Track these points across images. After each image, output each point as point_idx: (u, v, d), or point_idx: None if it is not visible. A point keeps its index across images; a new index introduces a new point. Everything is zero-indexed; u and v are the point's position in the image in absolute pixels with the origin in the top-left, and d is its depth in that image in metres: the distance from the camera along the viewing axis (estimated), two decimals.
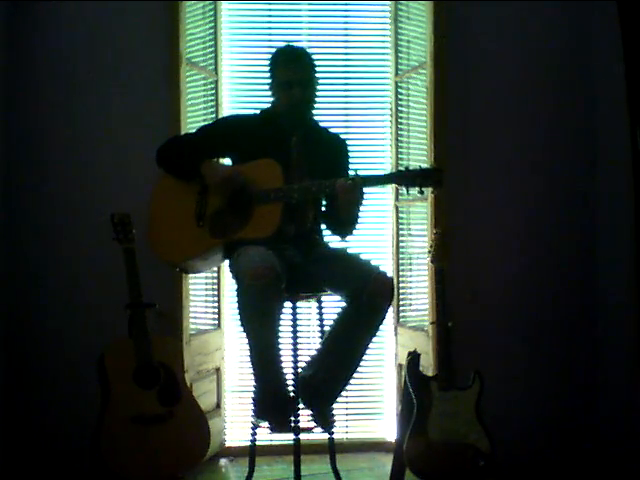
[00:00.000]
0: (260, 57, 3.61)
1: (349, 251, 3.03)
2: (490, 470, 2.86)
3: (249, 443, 2.89)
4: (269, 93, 2.89)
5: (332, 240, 3.00)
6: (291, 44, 2.99)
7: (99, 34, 3.43)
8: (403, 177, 2.63)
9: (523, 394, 3.49)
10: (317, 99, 2.87)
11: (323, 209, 2.92)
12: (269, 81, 2.86)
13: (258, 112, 2.95)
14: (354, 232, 2.93)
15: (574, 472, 3.32)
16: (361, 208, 2.82)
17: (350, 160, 2.99)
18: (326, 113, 3.57)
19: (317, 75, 2.85)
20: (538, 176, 3.55)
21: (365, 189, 2.63)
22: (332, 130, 3.06)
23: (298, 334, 2.75)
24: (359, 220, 2.88)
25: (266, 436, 3.10)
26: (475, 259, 3.50)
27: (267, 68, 2.85)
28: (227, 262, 2.82)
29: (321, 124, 3.02)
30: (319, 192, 2.70)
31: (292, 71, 2.77)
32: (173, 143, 2.90)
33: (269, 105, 2.92)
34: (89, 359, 2.90)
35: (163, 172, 2.86)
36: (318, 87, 2.86)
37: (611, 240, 3.41)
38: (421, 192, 2.66)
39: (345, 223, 2.84)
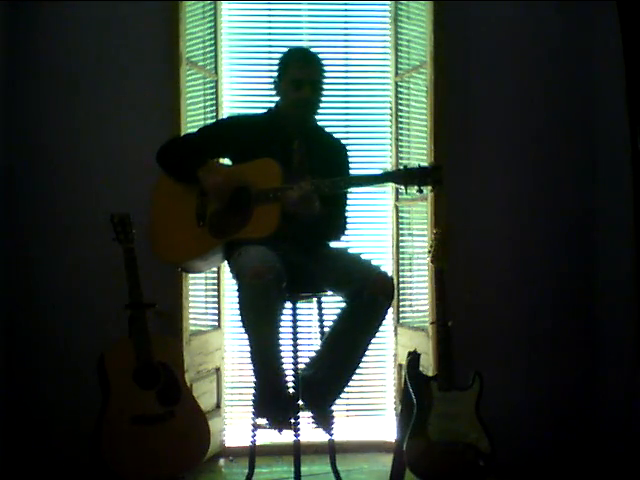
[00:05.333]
0: (260, 57, 3.63)
1: (349, 251, 3.03)
2: (490, 470, 2.86)
3: (249, 443, 2.90)
4: (273, 93, 2.88)
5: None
6: (303, 47, 3.01)
7: (99, 34, 3.43)
8: (401, 176, 2.63)
9: (523, 394, 3.49)
10: (321, 104, 2.86)
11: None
12: (276, 80, 2.84)
13: (264, 111, 2.93)
14: (338, 237, 2.90)
15: (574, 472, 3.31)
16: (346, 211, 2.86)
17: (350, 166, 2.98)
18: (326, 113, 3.57)
19: (324, 81, 2.83)
20: (538, 176, 3.55)
21: (364, 189, 2.56)
22: (330, 130, 3.05)
23: (298, 334, 2.75)
24: (341, 224, 2.86)
25: (266, 436, 3.11)
26: (475, 259, 3.50)
27: (276, 67, 2.84)
28: (227, 262, 2.82)
29: (321, 124, 3.02)
30: (275, 198, 2.65)
31: (305, 70, 2.77)
32: (172, 145, 2.89)
33: (273, 106, 2.90)
34: (89, 359, 2.90)
35: (163, 172, 2.86)
36: (324, 93, 2.85)
37: (611, 240, 3.41)
38: (420, 191, 2.64)
39: (320, 227, 2.75)
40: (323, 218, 2.70)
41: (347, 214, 2.93)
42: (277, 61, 2.85)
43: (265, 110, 2.93)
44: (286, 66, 2.80)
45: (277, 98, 2.88)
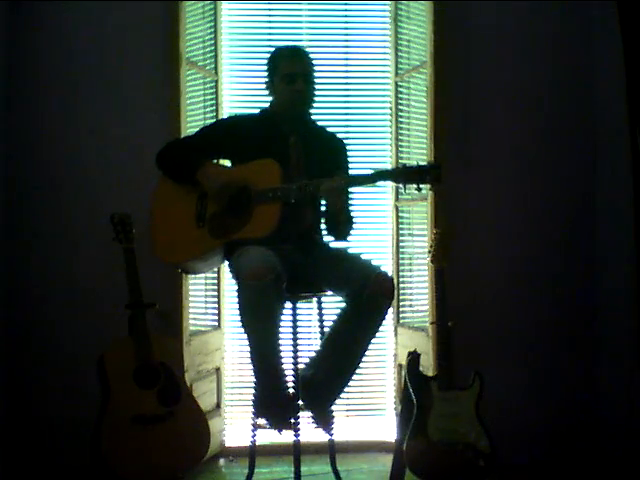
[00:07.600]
0: (260, 57, 3.62)
1: (349, 251, 3.03)
2: (490, 470, 2.86)
3: (249, 443, 2.90)
4: (266, 93, 2.89)
5: (330, 241, 2.98)
6: (289, 44, 3.00)
7: (99, 34, 3.43)
8: (400, 174, 2.62)
9: (523, 394, 3.49)
10: (316, 99, 2.87)
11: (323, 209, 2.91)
12: (267, 80, 2.85)
13: (258, 112, 2.94)
14: (350, 233, 2.91)
15: (574, 472, 3.32)
16: (352, 207, 2.87)
17: (348, 159, 2.98)
18: (326, 113, 3.58)
19: (316, 74, 2.85)
20: (538, 176, 3.55)
21: (363, 187, 2.59)
22: (330, 129, 3.05)
23: (298, 334, 2.75)
24: (353, 220, 2.88)
25: (266, 436, 3.10)
26: (475, 259, 3.50)
27: (265, 67, 2.85)
28: (227, 262, 2.82)
29: (320, 124, 3.02)
30: (302, 194, 2.65)
31: (296, 64, 2.78)
32: (171, 148, 2.88)
33: (267, 105, 2.91)
34: (89, 359, 2.90)
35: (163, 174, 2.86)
36: (316, 86, 2.86)
37: (611, 240, 3.41)
38: (419, 189, 2.62)
39: (341, 223, 2.80)
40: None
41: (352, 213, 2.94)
42: (266, 62, 2.86)
43: (258, 110, 2.94)
44: (276, 63, 2.82)
45: (271, 98, 2.89)
